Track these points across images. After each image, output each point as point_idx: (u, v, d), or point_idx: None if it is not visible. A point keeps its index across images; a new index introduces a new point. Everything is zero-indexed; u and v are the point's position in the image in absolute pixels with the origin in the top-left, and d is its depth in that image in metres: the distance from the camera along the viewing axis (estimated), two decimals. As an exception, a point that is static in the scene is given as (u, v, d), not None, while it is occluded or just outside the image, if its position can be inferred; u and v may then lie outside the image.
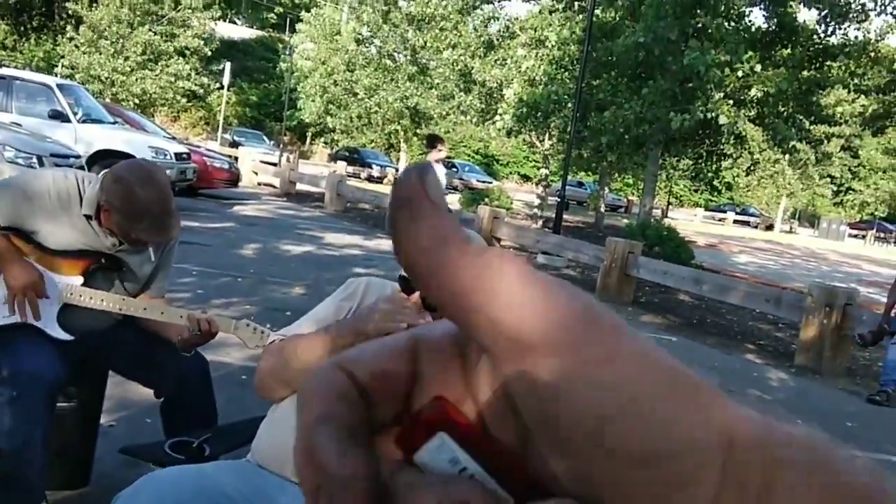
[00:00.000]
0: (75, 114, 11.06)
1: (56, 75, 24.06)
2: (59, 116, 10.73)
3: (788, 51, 13.97)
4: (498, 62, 19.47)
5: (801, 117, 14.16)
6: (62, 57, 27.19)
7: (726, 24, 13.09)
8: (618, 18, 14.79)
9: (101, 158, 10.99)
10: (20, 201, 2.27)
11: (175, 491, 1.53)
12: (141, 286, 2.49)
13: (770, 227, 45.20)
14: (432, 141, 11.88)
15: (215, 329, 2.31)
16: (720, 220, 44.30)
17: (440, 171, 11.42)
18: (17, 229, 2.29)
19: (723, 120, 12.58)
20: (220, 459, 1.84)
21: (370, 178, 34.61)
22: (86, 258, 2.34)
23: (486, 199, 20.51)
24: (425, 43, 24.48)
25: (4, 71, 11.55)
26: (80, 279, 2.33)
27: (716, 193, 50.76)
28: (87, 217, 2.30)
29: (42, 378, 2.18)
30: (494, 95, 19.80)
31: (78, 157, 9.18)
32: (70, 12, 28.11)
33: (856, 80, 14.01)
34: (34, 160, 8.08)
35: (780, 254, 25.28)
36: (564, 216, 14.91)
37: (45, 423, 2.21)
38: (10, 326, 2.28)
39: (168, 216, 2.27)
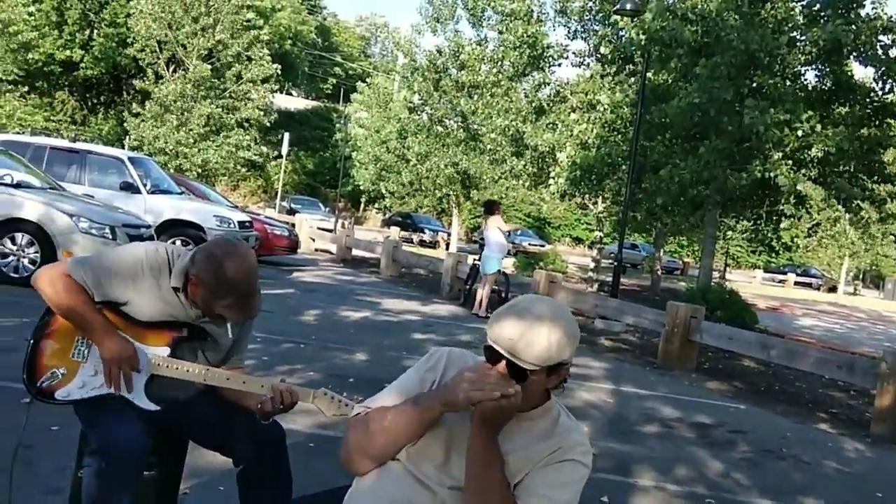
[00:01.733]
0: (145, 185, 11.48)
1: (124, 147, 25.10)
2: (129, 188, 11.14)
3: (847, 109, 13.80)
4: (549, 126, 19.64)
5: (863, 176, 13.88)
6: (128, 132, 28.37)
7: (783, 83, 13.01)
8: (670, 80, 14.84)
9: (170, 227, 11.36)
10: (114, 276, 2.36)
11: None
12: (222, 357, 2.54)
13: (833, 289, 43.90)
14: (490, 207, 11.99)
15: (296, 399, 2.33)
16: (780, 281, 43.27)
17: (499, 234, 11.48)
18: (108, 302, 2.38)
19: (782, 181, 12.40)
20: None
21: (422, 243, 34.93)
22: (172, 329, 2.41)
23: (541, 263, 20.46)
24: (476, 109, 24.88)
25: (79, 145, 12.07)
26: (167, 350, 2.40)
27: (775, 255, 49.69)
28: (175, 289, 2.38)
29: (130, 452, 2.23)
30: (546, 159, 19.90)
31: (148, 226, 9.50)
32: (137, 88, 29.46)
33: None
34: (107, 230, 8.37)
35: (845, 317, 24.52)
36: (620, 279, 14.76)
37: (130, 495, 2.24)
38: (100, 398, 2.35)
39: (253, 295, 2.33)
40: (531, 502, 1.65)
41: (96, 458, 2.24)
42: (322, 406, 2.36)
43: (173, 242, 11.36)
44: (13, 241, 8.23)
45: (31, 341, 2.40)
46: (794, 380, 9.34)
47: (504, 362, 1.64)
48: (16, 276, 8.16)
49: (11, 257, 8.24)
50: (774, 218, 15.52)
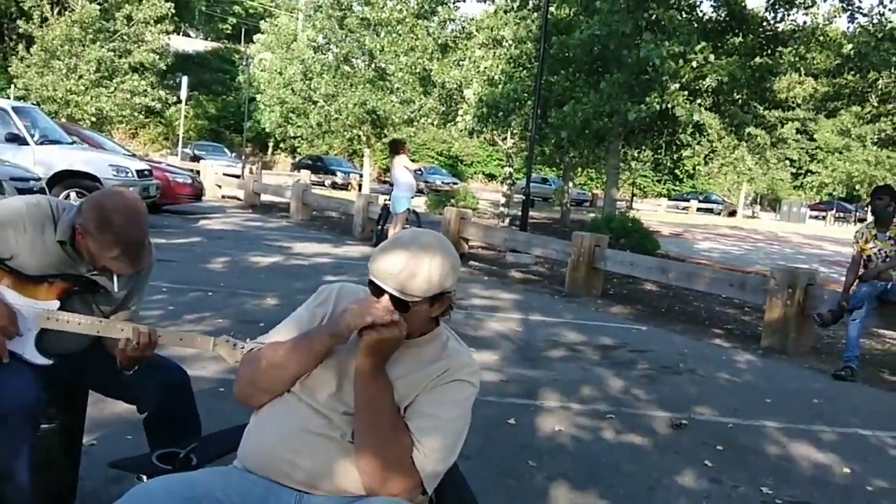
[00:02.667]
0: (32, 136, 10.92)
1: (8, 97, 23.66)
2: (16, 139, 10.58)
3: (740, 39, 14.24)
4: (456, 63, 19.56)
5: (755, 104, 14.45)
6: (14, 78, 26.71)
7: (678, 15, 13.30)
8: (572, 14, 14.95)
9: (62, 179, 10.88)
10: None
11: (168, 498, 1.57)
12: (116, 308, 2.51)
13: (733, 214, 45.93)
14: (395, 146, 11.96)
15: (154, 340, 2.26)
16: (684, 208, 44.93)
17: (406, 173, 11.50)
18: None
19: (679, 112, 12.80)
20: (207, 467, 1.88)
21: (334, 185, 34.56)
22: (62, 282, 2.36)
23: (453, 201, 20.61)
24: (382, 47, 24.50)
25: (-43, 96, 11.35)
26: (56, 303, 2.35)
27: (678, 183, 51.46)
28: (62, 243, 2.32)
29: (22, 403, 2.19)
30: (454, 97, 19.89)
31: (38, 179, 9.07)
32: (20, 32, 27.64)
33: (806, 65, 14.31)
34: (-6, 185, 7.97)
35: (743, 239, 25.72)
36: (531, 213, 15.04)
37: (28, 446, 2.22)
38: (-14, 357, 2.30)
39: (141, 247, 2.29)
40: (419, 422, 1.72)
41: (-10, 414, 2.20)
42: (224, 353, 2.36)
43: (67, 196, 10.92)
44: None
45: None
46: (693, 300, 9.82)
47: (387, 295, 1.69)
48: None
49: None
50: (674, 147, 16.03)
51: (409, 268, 1.67)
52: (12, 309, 2.30)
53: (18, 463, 2.20)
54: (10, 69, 27.77)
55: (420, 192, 32.00)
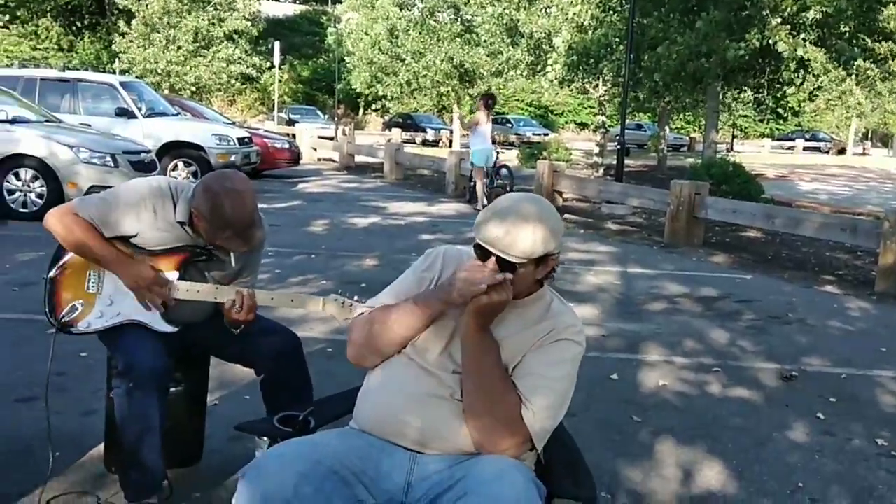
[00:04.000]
0: (140, 109, 11.42)
1: (114, 72, 24.72)
2: (125, 113, 11.09)
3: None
4: (544, 11, 19.13)
5: (863, 36, 13.56)
6: (117, 54, 27.82)
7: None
8: (664, -47, 14.34)
9: (170, 150, 11.37)
10: (120, 212, 2.44)
11: (297, 461, 1.67)
12: (232, 278, 2.64)
13: (842, 151, 43.50)
14: (488, 100, 11.85)
15: (253, 300, 2.44)
16: (789, 148, 42.87)
17: (488, 129, 11.47)
18: (117, 236, 2.47)
19: (781, 47, 12.14)
20: (324, 429, 1.97)
21: (425, 143, 34.65)
22: (180, 253, 2.50)
23: (545, 153, 20.36)
24: (468, 0, 24.19)
25: (69, 74, 11.93)
26: (176, 273, 2.50)
27: (782, 121, 49.06)
28: (181, 223, 2.47)
29: (152, 369, 2.37)
30: (543, 46, 19.49)
31: (148, 151, 9.52)
32: (120, 7, 28.67)
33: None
34: (108, 158, 8.42)
35: (854, 178, 24.44)
36: (626, 161, 14.71)
37: (159, 409, 2.40)
38: (119, 325, 2.48)
39: (251, 227, 2.41)
40: (527, 381, 1.77)
41: (123, 380, 2.38)
42: (333, 311, 2.48)
43: (175, 165, 11.41)
44: (17, 176, 8.31)
45: (48, 278, 2.51)
46: (801, 246, 9.46)
47: (493, 258, 1.72)
48: (25, 210, 8.28)
49: (18, 193, 8.34)
50: (777, 85, 15.27)
51: (515, 230, 1.71)
52: (148, 262, 2.46)
53: (151, 424, 2.38)
54: (113, 45, 28.91)
55: (511, 144, 31.79)
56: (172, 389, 2.62)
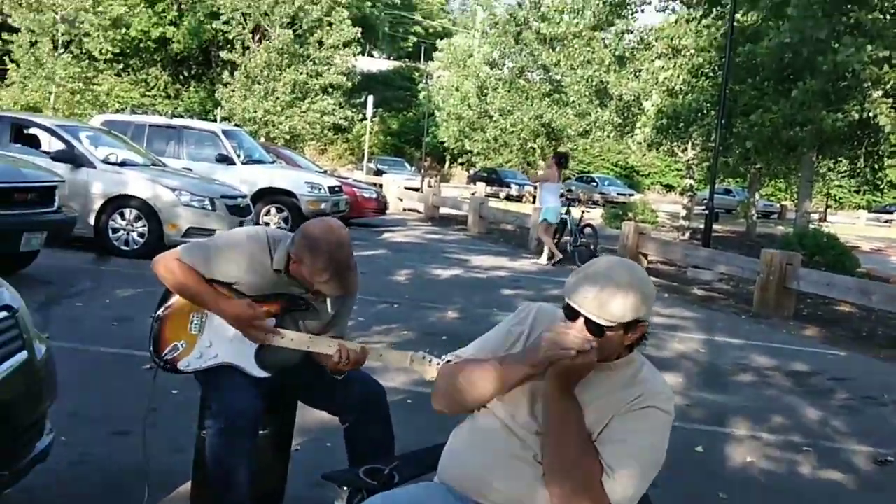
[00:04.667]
0: (238, 156, 11.92)
1: (215, 119, 25.93)
2: (224, 160, 11.59)
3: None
4: (634, 74, 19.19)
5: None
6: (219, 102, 29.23)
7: (882, 17, 12.29)
8: (760, 20, 14.22)
9: (264, 196, 11.79)
10: (221, 258, 2.58)
11: None
12: (323, 328, 2.73)
13: (944, 227, 41.53)
14: (560, 158, 11.98)
15: (362, 355, 2.52)
16: (886, 221, 41.18)
17: (558, 186, 11.61)
18: (219, 281, 2.60)
19: (883, 121, 11.80)
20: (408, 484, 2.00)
21: (509, 198, 34.82)
22: (277, 301, 2.60)
23: (630, 214, 20.18)
24: (558, 61, 24.49)
25: (175, 121, 12.59)
26: (273, 321, 2.60)
27: (879, 193, 47.25)
28: (277, 271, 2.57)
29: (245, 413, 2.46)
30: (632, 108, 19.51)
31: (244, 196, 9.90)
32: (225, 60, 30.20)
33: None
34: (207, 202, 8.80)
35: (957, 255, 23.24)
36: (713, 226, 14.43)
37: (248, 452, 2.47)
38: (216, 367, 2.58)
39: (348, 270, 2.49)
40: (610, 449, 1.74)
41: (217, 420, 2.47)
42: (419, 368, 2.52)
43: (268, 210, 11.80)
44: (122, 216, 8.75)
45: (154, 317, 2.65)
46: (899, 325, 9.03)
47: (582, 319, 1.73)
48: (126, 249, 8.70)
49: (122, 231, 8.77)
50: (875, 157, 14.80)
51: (606, 294, 1.71)
52: (247, 300, 2.58)
53: (240, 465, 2.46)
54: (216, 94, 30.40)
55: (595, 203, 31.62)
56: (260, 432, 2.70)
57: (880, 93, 12.27)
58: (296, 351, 2.62)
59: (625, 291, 1.72)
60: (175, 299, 2.65)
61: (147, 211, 8.67)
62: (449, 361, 2.00)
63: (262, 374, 2.59)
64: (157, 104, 35.02)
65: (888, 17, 12.67)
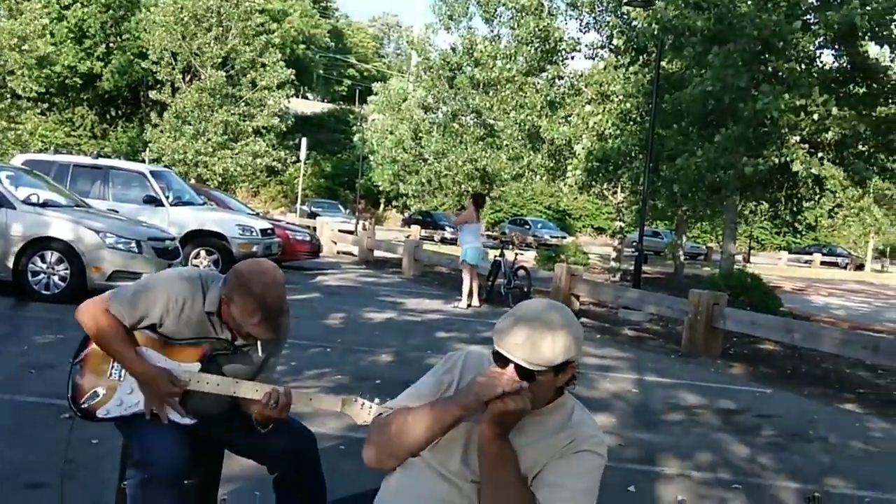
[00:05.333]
0: (167, 197, 11.68)
1: (143, 160, 25.45)
2: (152, 201, 11.34)
3: (863, 89, 13.68)
4: (565, 119, 19.65)
5: (881, 155, 13.78)
6: (148, 142, 28.75)
7: (797, 66, 12.93)
8: (685, 68, 14.79)
9: (194, 238, 11.55)
10: (149, 303, 2.49)
11: None
12: (251, 375, 2.65)
13: (860, 267, 43.45)
14: (478, 199, 12.13)
15: (288, 400, 2.42)
16: (806, 262, 42.85)
17: (478, 227, 11.76)
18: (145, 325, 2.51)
19: (796, 167, 12.36)
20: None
21: (443, 241, 35.01)
22: (203, 346, 2.52)
23: (563, 256, 20.49)
24: (491, 105, 24.93)
25: (101, 161, 12.30)
26: (198, 365, 2.51)
27: (799, 235, 49.27)
28: (209, 314, 2.50)
29: (171, 463, 2.36)
30: (563, 152, 19.93)
31: (173, 238, 9.68)
32: (154, 100, 29.79)
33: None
34: (133, 245, 8.56)
35: (874, 295, 24.29)
36: (643, 267, 14.75)
37: (173, 502, 2.36)
38: (138, 414, 2.48)
39: (281, 314, 2.44)
40: (547, 492, 1.73)
41: (139, 471, 2.36)
42: (351, 413, 2.46)
43: (198, 253, 11.56)
44: (43, 259, 8.44)
45: (73, 364, 2.53)
46: (821, 361, 9.33)
47: (512, 366, 1.72)
48: (47, 293, 8.37)
49: (42, 275, 8.44)
50: (794, 201, 15.43)
51: (535, 338, 1.71)
52: (169, 371, 2.47)
53: (164, 518, 2.34)
54: (145, 134, 29.91)
55: (528, 245, 32.01)
56: (186, 482, 2.60)
57: (797, 139, 12.83)
58: (222, 398, 2.54)
59: (553, 335, 1.72)
60: (92, 346, 2.54)
61: (70, 254, 8.37)
62: (381, 414, 1.96)
63: (186, 420, 2.50)
64: (82, 144, 34.22)
65: (802, 66, 13.32)
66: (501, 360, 1.75)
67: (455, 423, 1.80)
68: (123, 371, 2.51)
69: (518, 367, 1.71)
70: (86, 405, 2.47)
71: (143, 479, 2.33)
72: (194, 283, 2.52)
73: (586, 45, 19.90)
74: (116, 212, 10.41)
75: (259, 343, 2.56)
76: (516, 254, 13.06)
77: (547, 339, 1.71)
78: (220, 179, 27.75)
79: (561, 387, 1.83)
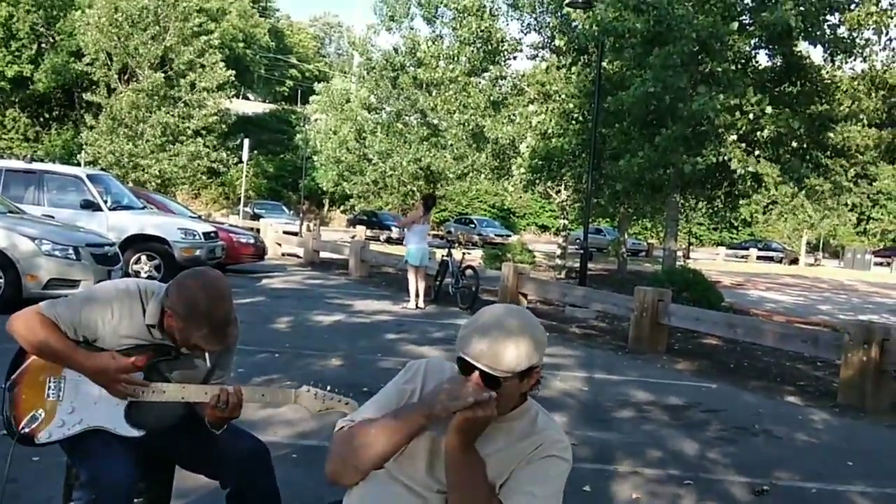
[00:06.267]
0: (105, 202, 11.35)
1: (79, 163, 24.71)
2: (90, 206, 11.01)
3: (797, 88, 14.10)
4: (508, 119, 19.76)
5: (816, 152, 14.23)
6: (83, 145, 27.92)
7: (732, 66, 13.26)
8: (625, 69, 15.03)
9: (134, 243, 11.25)
10: (86, 315, 2.39)
11: None
12: (200, 379, 2.56)
13: (795, 261, 44.85)
14: (428, 200, 12.10)
15: (238, 398, 2.37)
16: (743, 257, 44.04)
17: (425, 229, 11.74)
18: (81, 340, 2.40)
19: (734, 165, 12.68)
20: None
21: (389, 240, 34.92)
22: (144, 353, 2.42)
23: (509, 255, 20.60)
24: (435, 106, 24.92)
25: (35, 165, 11.88)
26: (140, 374, 2.42)
27: (735, 231, 50.62)
28: (150, 326, 2.41)
29: (118, 482, 2.26)
30: (507, 152, 20.05)
31: (112, 244, 9.40)
32: (89, 101, 28.95)
33: (867, 114, 14.01)
34: (70, 251, 8.29)
35: (808, 288, 25.05)
36: (588, 265, 14.93)
37: (121, 522, 2.27)
38: (82, 433, 2.37)
39: (228, 324, 2.37)
40: (516, 500, 1.72)
41: (86, 492, 2.27)
42: (306, 403, 2.41)
43: (139, 259, 11.26)
44: (-25, 267, 8.10)
45: (6, 387, 2.41)
46: (762, 355, 9.56)
47: (477, 373, 1.70)
48: (-21, 303, 8.03)
49: (-26, 284, 8.10)
50: (732, 198, 15.82)
51: (499, 345, 1.69)
52: (110, 352, 2.38)
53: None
54: (80, 137, 29.06)
55: (473, 244, 32.14)
56: (135, 501, 2.50)
57: (734, 137, 13.16)
58: (170, 409, 2.46)
59: (517, 340, 1.71)
60: (28, 363, 2.41)
61: (3, 261, 8.05)
62: (342, 428, 1.92)
63: (134, 433, 2.40)
64: (14, 147, 33.09)
65: (738, 66, 13.66)
66: (466, 368, 1.72)
67: (419, 432, 1.78)
68: (62, 388, 2.40)
69: (483, 374, 1.70)
70: (26, 429, 2.35)
71: (90, 501, 2.23)
72: (132, 295, 2.43)
73: (528, 46, 20.08)
74: (52, 217, 10.08)
75: (206, 354, 2.48)
76: (464, 253, 13.08)
77: (511, 345, 1.70)
78: (157, 182, 27.11)
79: (525, 392, 1.82)
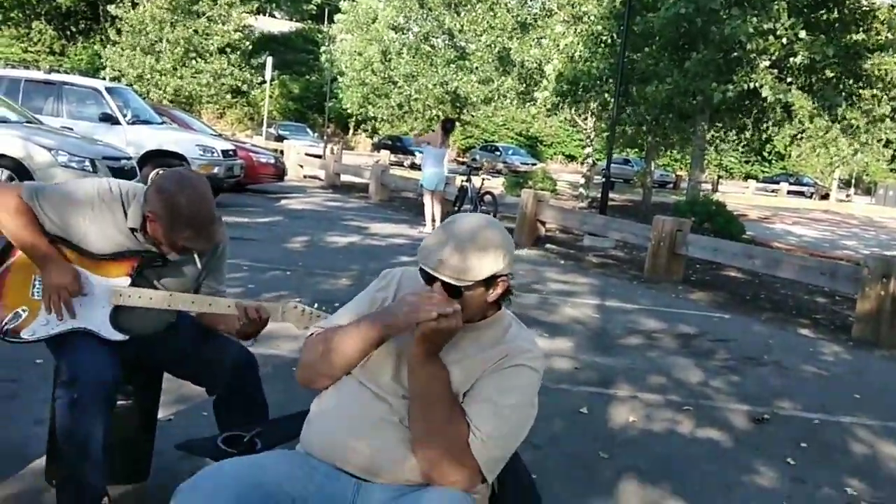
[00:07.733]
0: (125, 116, 11.30)
1: (104, 78, 24.61)
2: (109, 119, 10.97)
3: (834, 14, 13.52)
4: (536, 42, 19.28)
5: (850, 81, 13.73)
6: (107, 60, 27.73)
7: (769, -10, 12.73)
8: (658, -10, 14.49)
9: (152, 158, 11.24)
10: (65, 211, 2.34)
11: (234, 483, 1.58)
12: (190, 286, 2.54)
13: (826, 197, 44.06)
14: (447, 123, 11.80)
15: (265, 315, 2.35)
16: (773, 191, 43.30)
17: (443, 152, 11.44)
18: (63, 238, 2.36)
19: (765, 92, 12.26)
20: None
21: (413, 166, 34.69)
22: (131, 258, 2.39)
23: (530, 182, 20.41)
24: (462, 27, 24.34)
25: (54, 76, 11.82)
26: (128, 280, 2.39)
27: (767, 164, 49.62)
28: (133, 230, 2.36)
29: (100, 381, 2.25)
30: (534, 76, 19.63)
31: (129, 158, 9.40)
32: (113, 15, 28.64)
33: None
34: (87, 163, 8.30)
35: (837, 224, 24.68)
36: (611, 195, 14.75)
37: (103, 423, 2.28)
38: (67, 332, 2.36)
39: (211, 223, 2.31)
40: (476, 409, 1.69)
41: (67, 390, 2.26)
42: (292, 320, 2.38)
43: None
44: (-8, 176, 8.16)
45: None
46: (780, 288, 9.45)
47: (439, 283, 1.65)
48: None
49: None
50: (762, 127, 15.42)
51: (459, 253, 1.65)
52: (75, 268, 2.35)
53: (93, 438, 2.26)
54: (105, 50, 28.85)
55: (498, 172, 31.86)
56: (121, 403, 2.52)
57: (766, 63, 12.72)
58: (156, 314, 2.45)
59: (477, 248, 1.66)
60: (12, 260, 2.39)
61: (20, 171, 8.10)
62: (313, 334, 1.89)
63: (118, 336, 2.38)
64: (40, 60, 33.01)
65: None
66: (428, 278, 1.68)
67: (383, 340, 1.75)
68: None
69: (445, 284, 1.65)
70: (9, 326, 2.35)
71: (71, 400, 2.24)
72: (114, 195, 2.38)
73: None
74: (70, 129, 10.07)
75: (196, 256, 2.45)
76: (483, 179, 12.96)
77: (470, 252, 1.65)
78: (173, 98, 26.93)
79: (496, 301, 1.77)
